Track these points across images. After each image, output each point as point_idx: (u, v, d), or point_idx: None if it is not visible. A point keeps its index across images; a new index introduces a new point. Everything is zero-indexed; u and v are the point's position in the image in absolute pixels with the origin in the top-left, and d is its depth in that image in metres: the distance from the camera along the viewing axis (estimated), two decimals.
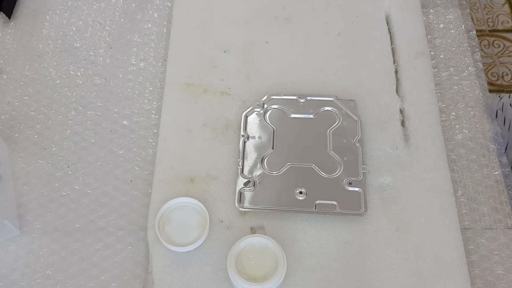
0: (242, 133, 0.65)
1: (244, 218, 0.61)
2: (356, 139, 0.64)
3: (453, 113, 0.70)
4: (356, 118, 0.66)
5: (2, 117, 0.70)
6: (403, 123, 0.68)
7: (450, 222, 0.60)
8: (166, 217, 0.59)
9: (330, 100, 0.67)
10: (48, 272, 0.59)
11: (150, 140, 0.68)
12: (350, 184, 0.61)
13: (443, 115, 0.69)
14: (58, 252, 0.60)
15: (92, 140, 0.68)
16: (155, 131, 0.69)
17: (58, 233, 0.62)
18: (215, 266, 0.58)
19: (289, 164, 0.63)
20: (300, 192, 0.61)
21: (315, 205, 0.60)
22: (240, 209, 0.60)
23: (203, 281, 0.57)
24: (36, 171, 0.66)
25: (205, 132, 0.67)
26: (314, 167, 0.63)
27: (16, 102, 0.71)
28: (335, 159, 0.63)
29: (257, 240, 0.56)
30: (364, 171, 0.62)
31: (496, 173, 0.65)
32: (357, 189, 0.61)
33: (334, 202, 0.60)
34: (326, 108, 0.67)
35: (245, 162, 0.63)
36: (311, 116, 0.67)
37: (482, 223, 0.62)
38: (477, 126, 0.69)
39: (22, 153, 0.67)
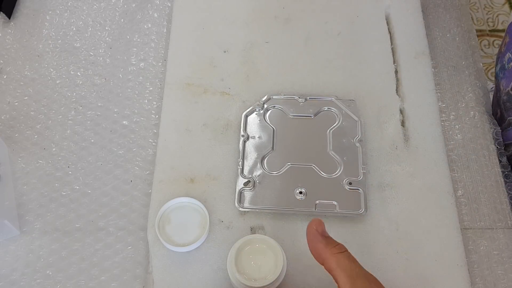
0: (242, 133, 0.65)
1: (244, 218, 0.61)
2: (356, 139, 0.64)
3: (453, 113, 0.70)
4: (356, 118, 0.66)
5: (2, 117, 0.70)
6: (403, 123, 0.68)
7: (450, 222, 0.60)
8: (166, 217, 0.59)
9: (330, 100, 0.67)
10: (48, 272, 0.59)
11: (150, 140, 0.68)
12: (350, 184, 0.61)
13: (443, 115, 0.69)
14: (58, 252, 0.60)
15: (92, 140, 0.68)
16: (155, 131, 0.69)
17: (58, 233, 0.62)
18: (215, 266, 0.58)
19: (289, 164, 0.63)
20: (300, 192, 0.61)
21: (315, 205, 0.60)
22: (240, 209, 0.60)
23: (203, 281, 0.57)
24: (36, 171, 0.66)
25: (205, 132, 0.67)
26: (314, 167, 0.63)
27: (16, 102, 0.71)
28: (335, 159, 0.63)
29: (257, 240, 0.56)
30: (364, 171, 0.62)
31: (496, 173, 0.65)
32: (357, 189, 0.61)
33: (334, 202, 0.60)
34: (326, 108, 0.67)
35: (245, 162, 0.63)
36: (311, 116, 0.67)
37: (482, 223, 0.62)
38: (477, 126, 0.69)
39: (22, 153, 0.67)
